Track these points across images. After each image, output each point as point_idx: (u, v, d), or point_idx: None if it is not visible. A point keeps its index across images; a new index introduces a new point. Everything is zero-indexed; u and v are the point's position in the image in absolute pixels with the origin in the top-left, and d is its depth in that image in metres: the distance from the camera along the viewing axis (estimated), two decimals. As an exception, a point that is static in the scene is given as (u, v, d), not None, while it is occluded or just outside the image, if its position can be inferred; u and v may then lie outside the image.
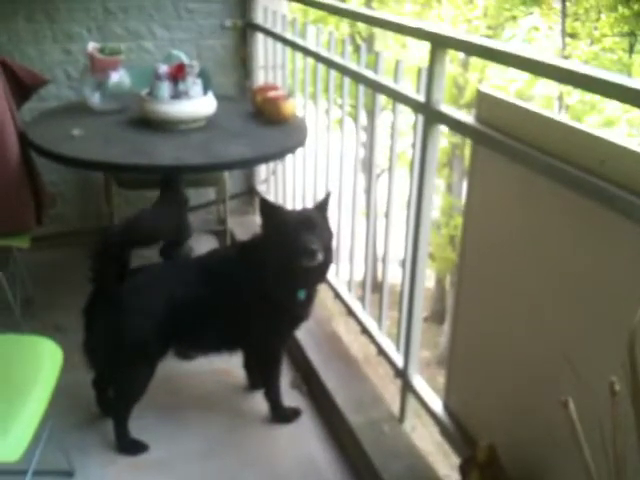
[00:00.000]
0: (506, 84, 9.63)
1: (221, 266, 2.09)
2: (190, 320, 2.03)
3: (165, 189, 2.61)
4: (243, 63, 3.48)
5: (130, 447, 2.11)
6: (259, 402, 2.27)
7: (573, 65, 1.44)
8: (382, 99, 2.30)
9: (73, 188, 3.44)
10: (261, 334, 2.11)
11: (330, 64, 2.58)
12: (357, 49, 2.45)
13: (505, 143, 1.53)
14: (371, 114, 2.37)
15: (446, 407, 1.92)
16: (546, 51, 10.26)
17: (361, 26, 10.59)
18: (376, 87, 2.21)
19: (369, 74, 2.26)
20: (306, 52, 2.81)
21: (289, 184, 3.22)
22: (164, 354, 2.08)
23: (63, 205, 3.33)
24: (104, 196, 3.32)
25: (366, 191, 2.49)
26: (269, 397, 2.23)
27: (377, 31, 10.67)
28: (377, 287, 2.58)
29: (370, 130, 2.44)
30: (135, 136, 2.47)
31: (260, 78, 3.42)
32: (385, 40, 11.23)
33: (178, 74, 2.49)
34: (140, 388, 2.07)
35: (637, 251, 1.24)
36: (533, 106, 1.57)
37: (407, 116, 2.28)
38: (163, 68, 2.50)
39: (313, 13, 8.88)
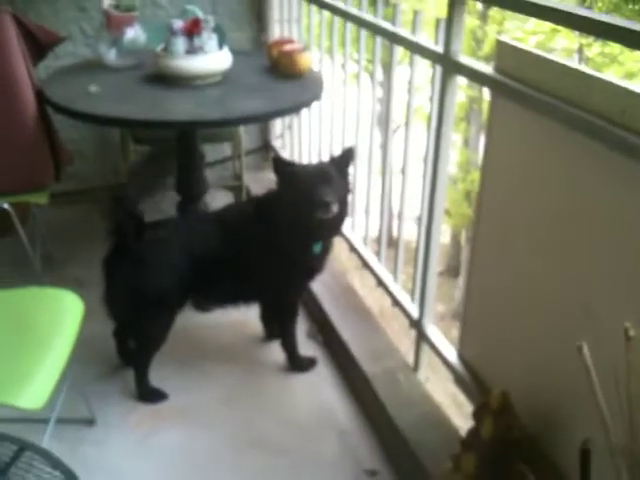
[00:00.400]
0: (525, 37, 9.42)
1: (237, 220, 2.12)
2: (207, 273, 2.06)
3: (181, 144, 2.62)
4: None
5: (150, 395, 2.18)
6: (276, 352, 2.33)
7: (593, 14, 1.42)
8: (399, 53, 2.27)
9: (90, 145, 3.46)
10: (277, 286, 2.15)
11: (347, 17, 2.55)
12: (373, 1, 2.42)
13: (525, 93, 1.52)
14: (388, 68, 2.35)
15: (460, 356, 1.95)
16: (566, 1, 10.01)
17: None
18: (394, 39, 2.19)
19: (387, 26, 2.23)
20: (322, 5, 2.78)
21: (304, 139, 3.21)
22: (182, 306, 2.13)
23: (81, 162, 3.35)
24: (121, 153, 3.33)
25: (382, 146, 2.48)
26: (286, 347, 2.28)
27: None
28: (392, 244, 2.59)
29: (387, 84, 2.42)
30: (151, 92, 2.47)
31: (275, 32, 3.38)
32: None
33: (193, 29, 2.47)
34: (159, 338, 2.12)
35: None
36: (553, 56, 1.55)
37: (424, 69, 2.27)
38: (178, 23, 2.48)
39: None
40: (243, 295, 2.21)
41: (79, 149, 3.35)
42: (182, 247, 2.04)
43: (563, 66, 1.47)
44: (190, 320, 2.27)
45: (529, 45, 8.92)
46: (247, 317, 2.41)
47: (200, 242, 2.06)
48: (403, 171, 2.28)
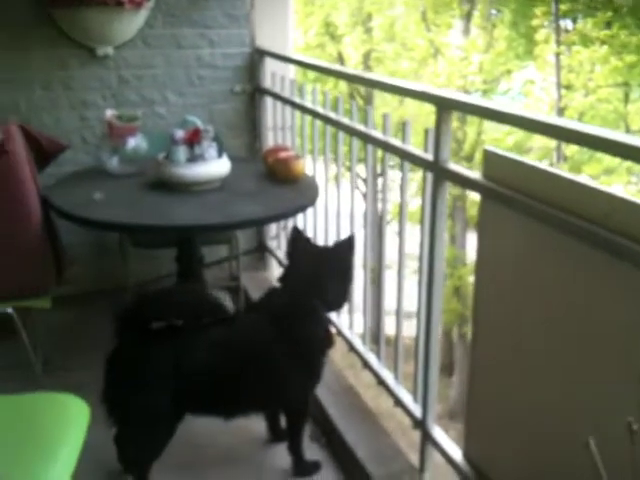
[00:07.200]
0: (503, 137, 9.83)
1: (249, 333, 2.11)
2: (212, 387, 2.04)
3: (182, 248, 2.69)
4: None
5: (152, 504, 2.12)
6: (279, 456, 2.29)
7: (571, 124, 1.54)
8: (390, 159, 2.39)
9: (88, 250, 3.52)
10: (301, 386, 2.16)
11: (338, 125, 2.69)
12: (364, 112, 2.57)
13: (513, 197, 1.61)
14: (373, 172, 2.46)
15: (466, 456, 1.94)
16: (542, 103, 10.51)
17: (360, 84, 10.87)
18: (386, 147, 2.31)
19: (378, 135, 2.36)
20: (314, 115, 2.93)
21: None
22: (182, 418, 2.08)
23: (79, 266, 3.40)
24: (119, 256, 3.39)
25: (375, 245, 2.56)
26: (294, 450, 2.24)
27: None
28: (388, 341, 2.62)
29: (371, 187, 2.55)
30: (154, 198, 2.56)
31: (269, 139, 3.54)
32: (383, 97, 11.52)
33: (194, 138, 2.60)
34: (158, 447, 2.07)
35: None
36: (537, 162, 1.66)
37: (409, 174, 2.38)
38: (179, 133, 2.61)
39: (313, 72, 9.12)
40: (254, 404, 2.18)
41: (77, 253, 3.40)
42: (185, 357, 2.00)
43: (546, 172, 1.57)
44: (190, 424, 2.24)
45: (508, 144, 9.29)
46: (249, 420, 2.38)
47: (206, 353, 2.02)
48: (399, 270, 2.35)
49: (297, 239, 2.25)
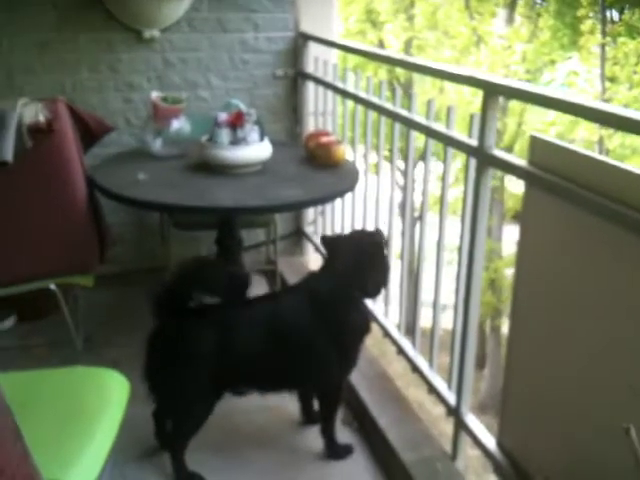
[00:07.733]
0: (545, 128, 9.67)
1: (289, 313, 2.12)
2: (253, 363, 2.07)
3: (222, 230, 2.72)
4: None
5: (188, 480, 2.16)
6: (312, 438, 2.32)
7: (620, 110, 1.51)
8: (432, 145, 2.38)
9: (128, 229, 3.58)
10: (336, 369, 2.17)
11: (381, 110, 2.68)
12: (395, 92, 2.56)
13: (560, 184, 1.59)
14: (413, 159, 2.45)
15: (500, 445, 1.94)
16: (585, 95, 10.31)
17: (399, 71, 10.80)
18: (429, 132, 2.30)
19: (421, 120, 2.35)
20: (357, 99, 2.92)
21: (337, 225, 3.30)
22: (221, 396, 2.12)
23: (120, 246, 3.46)
24: (159, 237, 3.44)
25: (411, 234, 2.55)
26: (327, 433, 2.26)
27: (415, 76, 10.86)
28: (423, 333, 2.62)
29: (411, 174, 2.54)
30: (196, 180, 2.60)
31: (310, 124, 3.54)
32: (423, 85, 11.42)
33: (237, 122, 2.62)
34: (196, 424, 2.11)
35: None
36: (586, 150, 1.63)
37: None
38: (223, 116, 2.63)
39: (353, 59, 9.09)
40: (290, 382, 2.23)
41: (118, 234, 3.45)
42: (225, 337, 2.05)
43: (595, 160, 1.54)
44: (225, 404, 2.28)
45: (550, 136, 9.13)
46: (284, 401, 2.42)
47: (246, 332, 2.06)
48: (437, 261, 2.34)
49: (329, 242, 2.28)
